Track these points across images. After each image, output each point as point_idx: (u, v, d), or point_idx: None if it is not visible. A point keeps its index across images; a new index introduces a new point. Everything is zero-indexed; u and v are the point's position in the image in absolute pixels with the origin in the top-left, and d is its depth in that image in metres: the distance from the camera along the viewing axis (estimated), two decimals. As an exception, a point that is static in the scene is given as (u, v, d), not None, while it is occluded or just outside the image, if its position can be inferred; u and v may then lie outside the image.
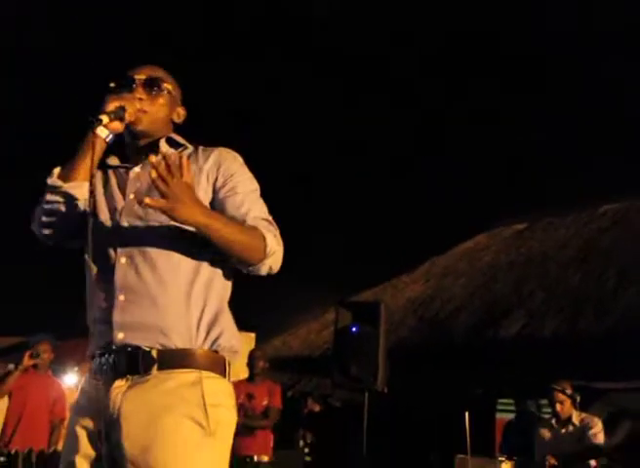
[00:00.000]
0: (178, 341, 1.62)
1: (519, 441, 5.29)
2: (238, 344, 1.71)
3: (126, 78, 1.81)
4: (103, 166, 1.84)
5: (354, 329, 4.74)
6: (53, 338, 5.53)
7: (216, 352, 1.64)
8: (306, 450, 6.48)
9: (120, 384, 1.59)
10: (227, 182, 1.75)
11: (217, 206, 1.71)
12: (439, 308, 6.74)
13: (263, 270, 1.65)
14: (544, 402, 7.38)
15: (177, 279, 1.64)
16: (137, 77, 1.80)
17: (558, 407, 4.65)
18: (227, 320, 1.69)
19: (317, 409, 6.97)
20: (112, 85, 1.79)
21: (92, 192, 1.76)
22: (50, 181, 1.72)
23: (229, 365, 1.70)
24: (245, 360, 5.94)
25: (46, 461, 5.27)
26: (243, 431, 5.38)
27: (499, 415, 7.13)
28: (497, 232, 9.96)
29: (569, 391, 4.65)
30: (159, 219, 1.66)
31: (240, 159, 1.83)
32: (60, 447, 5.74)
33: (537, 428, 4.97)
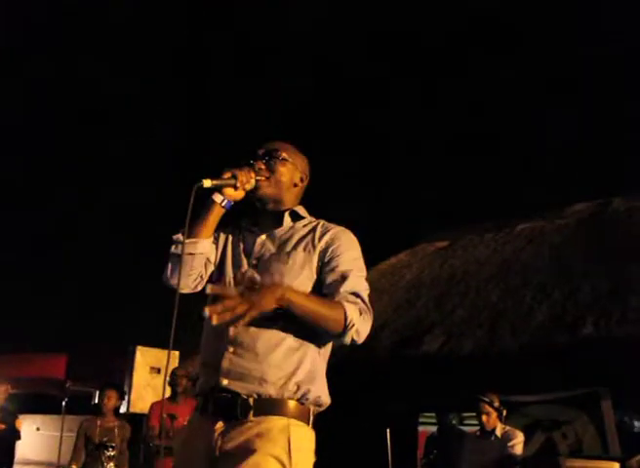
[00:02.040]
0: (272, 391, 1.90)
1: (441, 453, 5.41)
2: (325, 400, 2.00)
3: (251, 153, 2.12)
4: (236, 227, 2.19)
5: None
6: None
7: (302, 404, 1.93)
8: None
9: (220, 426, 1.89)
10: (333, 259, 2.01)
11: (322, 275, 2.00)
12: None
13: (347, 340, 1.90)
14: (466, 414, 7.61)
15: (278, 340, 1.92)
16: (258, 151, 2.13)
17: (484, 418, 4.79)
18: (319, 378, 1.99)
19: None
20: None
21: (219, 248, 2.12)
22: (174, 237, 2.03)
23: (314, 414, 1.98)
24: (167, 378, 5.84)
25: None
26: (165, 452, 5.27)
27: (421, 428, 7.27)
28: (418, 249, 10.17)
29: (496, 404, 4.81)
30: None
31: (355, 241, 2.10)
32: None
33: (460, 440, 5.10)
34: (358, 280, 2.00)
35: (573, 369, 5.65)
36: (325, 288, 1.98)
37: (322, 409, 2.01)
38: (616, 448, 5.52)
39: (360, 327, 1.89)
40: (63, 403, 9.51)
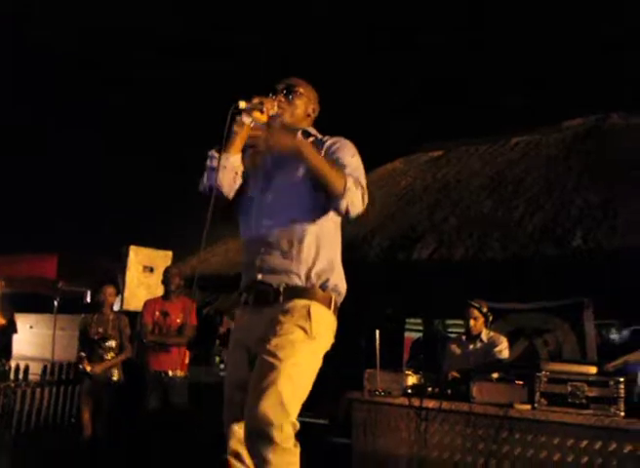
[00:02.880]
0: (297, 281, 2.33)
1: (425, 357, 5.58)
2: (343, 287, 2.44)
3: (272, 88, 2.52)
4: (257, 150, 2.52)
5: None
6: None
7: (323, 290, 2.36)
8: (222, 367, 6.62)
9: (260, 311, 2.34)
10: (334, 153, 2.39)
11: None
12: (355, 231, 6.85)
13: (343, 206, 2.26)
14: (450, 322, 7.80)
15: (299, 238, 2.34)
16: (277, 87, 2.54)
17: (472, 322, 4.93)
18: (337, 268, 2.43)
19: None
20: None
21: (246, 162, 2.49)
22: (210, 152, 2.42)
23: (335, 302, 2.41)
24: (160, 277, 5.92)
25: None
26: (158, 348, 5.43)
27: (407, 334, 7.48)
28: (414, 158, 10.11)
29: (484, 309, 4.94)
30: (291, 191, 2.38)
31: (354, 147, 2.46)
32: None
33: (445, 344, 5.25)
34: (356, 168, 2.37)
35: (560, 280, 5.76)
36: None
37: (341, 297, 2.44)
38: (593, 355, 5.72)
39: (354, 198, 2.26)
40: (55, 302, 9.67)
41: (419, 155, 10.17)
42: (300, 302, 2.31)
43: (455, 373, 4.51)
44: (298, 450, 2.16)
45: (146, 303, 5.75)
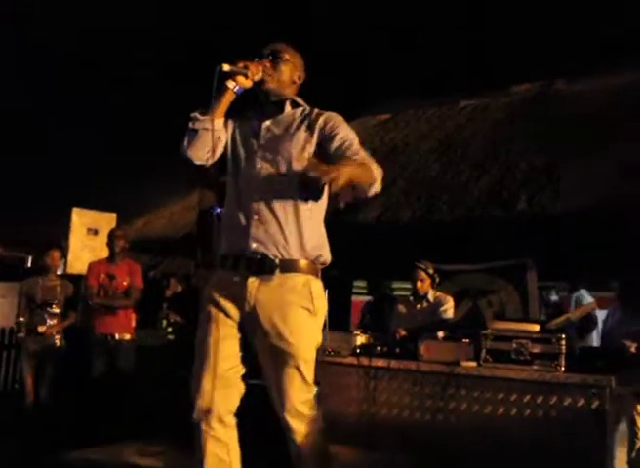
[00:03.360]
0: (293, 254, 2.37)
1: (374, 318, 5.64)
2: (329, 258, 2.49)
3: (257, 52, 2.48)
4: (243, 117, 2.58)
5: (217, 209, 4.75)
6: None
7: (314, 263, 2.43)
8: (169, 330, 6.56)
9: (253, 280, 2.36)
10: (334, 131, 2.41)
11: (324, 145, 2.40)
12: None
13: (371, 193, 2.28)
14: (396, 285, 7.90)
15: (293, 209, 2.38)
16: (263, 51, 2.49)
17: (419, 284, 5.00)
18: (324, 240, 2.48)
19: (180, 289, 7.01)
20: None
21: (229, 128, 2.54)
22: (192, 114, 2.40)
23: (320, 272, 2.48)
24: (105, 240, 5.78)
25: None
26: (104, 310, 5.32)
27: (354, 298, 7.54)
28: (361, 121, 10.09)
29: (431, 270, 5.00)
30: (281, 163, 2.41)
31: (344, 120, 2.49)
32: None
33: (392, 305, 5.31)
34: (358, 145, 2.40)
35: (505, 242, 5.89)
36: (333, 153, 2.38)
37: (326, 266, 2.51)
38: (536, 315, 5.90)
39: (380, 179, 2.31)
40: (-7, 270, 9.36)
41: (366, 118, 10.16)
42: (299, 279, 2.38)
43: (403, 332, 4.58)
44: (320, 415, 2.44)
45: (91, 265, 5.61)
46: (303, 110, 2.55)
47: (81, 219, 6.70)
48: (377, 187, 2.29)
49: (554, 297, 7.10)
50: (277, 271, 2.36)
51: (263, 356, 2.40)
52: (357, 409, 4.14)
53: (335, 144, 2.38)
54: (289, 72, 2.53)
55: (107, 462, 4.17)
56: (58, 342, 5.41)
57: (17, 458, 4.32)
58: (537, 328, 3.91)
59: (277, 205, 2.38)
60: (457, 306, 5.41)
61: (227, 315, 2.41)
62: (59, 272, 6.00)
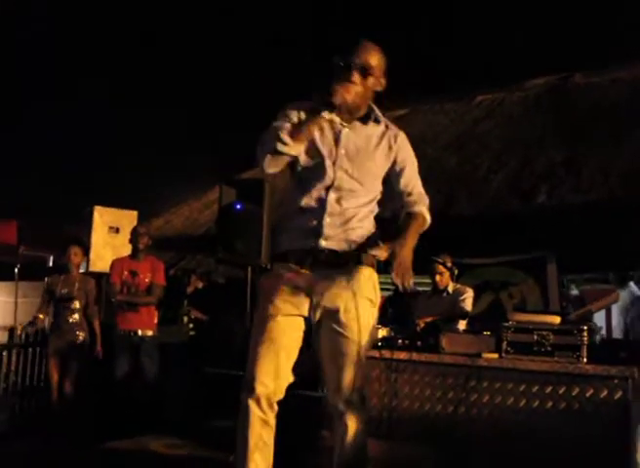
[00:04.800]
0: (359, 248, 2.51)
1: (395, 312, 5.65)
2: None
3: (346, 63, 2.45)
4: (317, 111, 2.47)
5: (238, 206, 4.76)
6: None
7: (374, 257, 2.55)
8: (191, 326, 6.62)
9: (321, 273, 2.48)
10: (404, 162, 2.64)
11: (392, 175, 2.63)
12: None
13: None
14: (417, 280, 7.86)
15: (361, 213, 2.54)
16: (354, 60, 2.45)
17: (437, 277, 5.01)
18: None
19: (201, 285, 7.07)
20: (340, 64, 2.45)
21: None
22: (282, 136, 2.38)
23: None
24: (126, 238, 5.85)
25: None
26: (127, 307, 5.39)
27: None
28: (379, 117, 10.06)
29: (449, 264, 5.02)
30: (359, 173, 2.54)
31: (409, 144, 2.70)
32: None
33: (414, 298, 5.33)
34: (418, 178, 2.71)
35: (524, 235, 5.87)
36: (396, 188, 2.64)
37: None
38: (556, 308, 5.88)
39: (428, 216, 2.67)
40: (16, 269, 9.47)
41: (383, 113, 10.14)
42: (364, 272, 2.51)
43: (422, 323, 4.60)
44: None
45: (114, 263, 5.68)
46: (378, 122, 2.64)
47: (102, 218, 6.76)
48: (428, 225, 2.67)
49: (574, 291, 7.06)
50: (349, 263, 2.50)
51: (327, 346, 2.53)
52: (379, 402, 4.16)
53: (402, 182, 2.64)
54: (373, 84, 2.55)
55: (131, 454, 4.23)
56: (82, 338, 5.49)
57: (43, 453, 4.39)
58: (558, 319, 3.90)
59: (349, 209, 2.52)
60: (478, 299, 5.42)
61: (293, 307, 2.51)
62: (81, 270, 6.07)
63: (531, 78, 9.80)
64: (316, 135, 2.56)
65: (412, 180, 2.66)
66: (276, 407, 2.50)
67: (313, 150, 2.57)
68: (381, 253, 2.53)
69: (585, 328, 3.72)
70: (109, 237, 6.71)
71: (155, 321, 5.67)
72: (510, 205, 6.21)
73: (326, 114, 2.52)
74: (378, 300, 2.61)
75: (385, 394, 4.15)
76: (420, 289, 7.17)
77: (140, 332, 5.43)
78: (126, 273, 5.53)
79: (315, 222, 2.51)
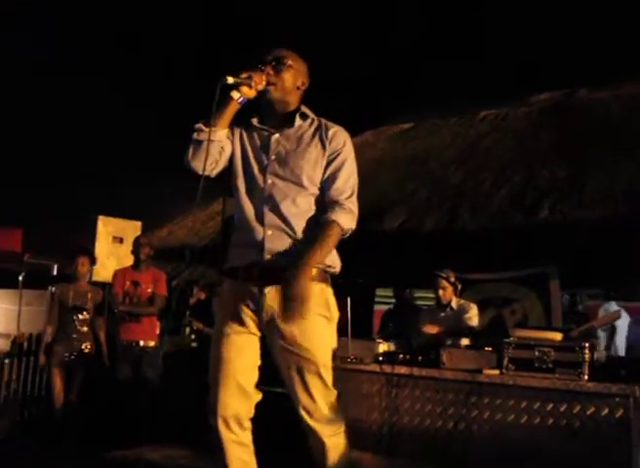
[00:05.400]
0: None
1: (396, 327, 5.65)
2: (339, 266, 2.55)
3: (260, 59, 2.47)
4: (249, 125, 2.59)
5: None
6: None
7: (326, 272, 2.48)
8: (192, 337, 6.62)
9: (269, 289, 2.41)
10: (337, 160, 2.49)
11: (324, 174, 2.49)
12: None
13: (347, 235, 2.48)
14: (418, 295, 7.90)
15: (302, 222, 2.45)
16: (266, 58, 2.48)
17: (441, 292, 5.02)
18: (335, 251, 2.52)
19: (203, 296, 7.08)
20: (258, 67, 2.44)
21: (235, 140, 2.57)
22: (197, 125, 2.41)
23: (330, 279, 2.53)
24: (130, 248, 5.87)
25: None
26: (129, 317, 5.40)
27: (377, 307, 7.55)
28: (383, 130, 10.12)
29: (452, 279, 5.02)
30: (293, 179, 2.46)
31: (350, 140, 2.58)
32: None
33: (415, 314, 5.33)
34: (354, 180, 2.53)
35: (527, 250, 5.87)
36: (326, 192, 2.49)
37: (336, 274, 2.57)
38: (559, 324, 5.87)
39: (351, 226, 2.48)
40: (20, 277, 9.49)
41: (387, 127, 10.19)
42: (314, 287, 2.38)
43: (428, 331, 4.60)
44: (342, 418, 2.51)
45: (116, 273, 5.70)
46: (312, 122, 2.57)
47: (106, 228, 6.79)
48: (350, 233, 2.50)
49: (578, 306, 7.05)
50: (291, 280, 2.33)
51: (283, 363, 2.45)
52: (379, 417, 4.16)
53: (325, 179, 2.50)
54: (292, 78, 2.52)
55: (129, 464, 4.23)
56: (88, 349, 5.49)
57: (42, 461, 4.40)
58: (559, 336, 3.90)
59: (289, 217, 2.43)
60: (480, 315, 5.41)
61: (244, 325, 2.46)
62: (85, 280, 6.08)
63: (535, 93, 9.82)
64: (245, 143, 2.56)
65: (334, 178, 2.50)
66: (248, 425, 2.48)
67: (242, 161, 2.56)
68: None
69: (587, 345, 3.72)
70: (113, 247, 6.73)
71: (157, 331, 5.68)
72: (513, 220, 6.20)
73: (254, 121, 2.58)
74: (334, 315, 2.51)
75: (386, 409, 4.14)
76: (423, 303, 7.19)
77: (141, 343, 5.44)
78: (128, 283, 5.55)
79: (256, 236, 2.44)
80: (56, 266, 9.40)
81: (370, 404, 4.19)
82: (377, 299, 7.45)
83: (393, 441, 4.09)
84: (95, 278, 6.68)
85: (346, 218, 2.44)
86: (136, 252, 5.66)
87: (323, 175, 2.49)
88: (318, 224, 2.44)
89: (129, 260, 5.99)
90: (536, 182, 6.77)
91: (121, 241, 6.73)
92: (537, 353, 3.79)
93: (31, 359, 6.01)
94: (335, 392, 2.47)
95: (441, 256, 5.86)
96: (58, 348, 5.48)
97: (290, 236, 2.43)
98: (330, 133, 2.51)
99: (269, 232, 2.43)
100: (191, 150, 2.44)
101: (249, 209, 2.49)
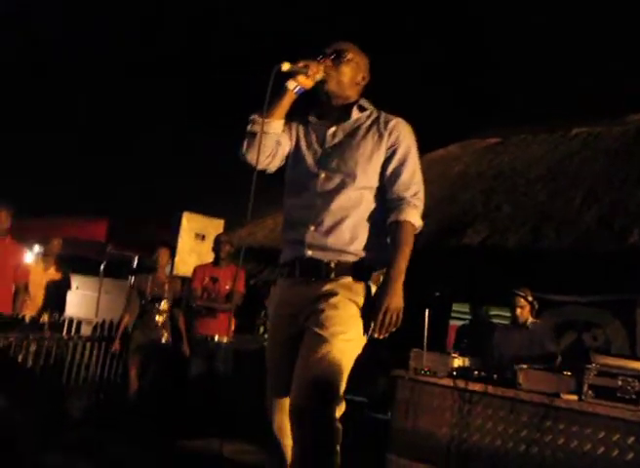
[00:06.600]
0: (350, 259, 2.29)
1: (471, 342, 5.55)
2: (381, 261, 2.32)
3: (320, 52, 2.39)
4: (305, 120, 2.50)
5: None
6: (9, 208, 5.46)
7: (375, 270, 2.30)
8: (265, 336, 6.69)
9: (309, 284, 2.28)
10: (398, 153, 2.34)
11: (386, 169, 2.34)
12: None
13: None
14: (493, 313, 7.74)
15: (351, 219, 2.30)
16: (326, 50, 2.40)
17: (518, 311, 4.90)
18: (385, 251, 2.31)
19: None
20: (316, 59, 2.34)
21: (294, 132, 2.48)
22: (251, 117, 2.32)
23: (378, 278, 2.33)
24: (211, 245, 6.00)
25: (8, 324, 5.33)
26: (206, 313, 5.52)
27: (452, 322, 7.44)
28: (469, 144, 9.97)
29: (530, 298, 4.90)
30: (347, 172, 2.32)
31: (413, 136, 2.40)
32: (24, 312, 5.80)
33: (491, 331, 5.22)
34: (419, 174, 2.37)
35: (614, 275, 5.64)
36: (389, 188, 2.34)
37: (376, 270, 2.36)
38: (644, 354, 5.61)
39: (421, 223, 2.33)
40: (102, 266, 9.88)
41: (474, 141, 10.02)
42: (354, 280, 2.28)
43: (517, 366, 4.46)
44: (340, 429, 2.14)
45: (196, 269, 5.84)
46: (370, 114, 2.45)
47: (190, 224, 6.97)
48: (418, 230, 2.33)
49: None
50: (333, 274, 2.27)
51: (302, 348, 2.22)
52: (449, 432, 4.09)
53: (387, 173, 2.34)
54: (352, 73, 2.41)
55: (198, 455, 4.31)
56: (165, 338, 5.65)
57: (114, 444, 4.52)
58: (645, 367, 3.73)
59: (339, 212, 2.30)
60: (559, 338, 5.25)
61: (292, 327, 2.33)
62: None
63: (632, 112, 9.45)
64: (301, 138, 2.46)
65: (398, 172, 2.34)
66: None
67: (296, 154, 2.46)
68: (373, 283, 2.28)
69: (676, 378, 3.55)
70: (195, 243, 6.90)
71: (232, 328, 5.78)
72: (601, 243, 5.97)
73: (310, 116, 2.49)
74: (366, 307, 2.26)
75: (456, 425, 4.08)
76: (498, 321, 7.03)
77: (216, 338, 5.55)
78: (207, 279, 5.67)
79: (301, 230, 2.33)
80: (137, 258, 9.74)
81: (440, 418, 4.14)
82: (453, 315, 7.33)
83: (461, 458, 4.02)
84: (175, 272, 6.87)
85: (417, 216, 2.30)
86: (216, 249, 5.78)
87: (383, 168, 2.35)
88: (389, 226, 2.30)
89: (209, 257, 6.13)
90: (626, 205, 6.51)
91: (203, 238, 6.90)
92: (620, 382, 3.64)
93: (110, 345, 6.22)
94: (338, 396, 2.17)
95: (521, 275, 5.72)
96: (135, 336, 5.66)
97: (335, 233, 2.29)
98: (390, 125, 2.37)
99: (312, 228, 2.31)
100: (246, 143, 2.34)
101: (299, 203, 2.38)
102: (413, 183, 2.33)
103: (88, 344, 6.02)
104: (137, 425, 5.15)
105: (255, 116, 2.32)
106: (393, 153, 2.33)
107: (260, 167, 2.35)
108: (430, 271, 6.18)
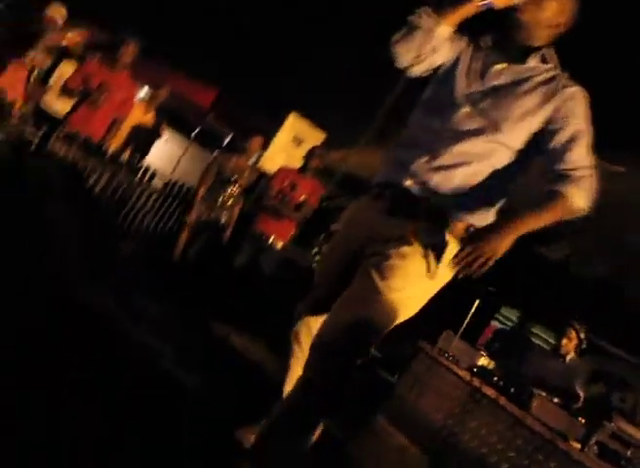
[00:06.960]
0: (445, 206, 2.03)
1: (502, 348, 5.45)
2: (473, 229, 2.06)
3: None
4: (478, 45, 2.20)
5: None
6: (137, 43, 5.52)
7: (466, 230, 2.04)
8: (315, 258, 6.73)
9: (393, 213, 2.07)
10: (563, 121, 2.03)
11: (548, 140, 2.03)
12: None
13: (577, 216, 2.00)
14: (535, 331, 7.53)
15: (469, 168, 2.03)
16: None
17: (564, 341, 4.76)
18: (492, 213, 2.11)
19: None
20: None
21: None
22: (421, 9, 2.08)
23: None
24: (303, 153, 5.96)
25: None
26: (272, 212, 5.54)
27: (492, 322, 7.31)
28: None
29: (582, 334, 4.73)
30: (493, 120, 2.04)
31: (588, 110, 2.06)
32: (111, 144, 5.94)
33: (527, 347, 5.11)
34: (590, 162, 2.02)
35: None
36: (554, 162, 2.03)
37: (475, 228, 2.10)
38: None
39: (584, 205, 1.99)
40: (196, 131, 10.04)
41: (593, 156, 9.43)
42: (436, 230, 2.05)
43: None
44: (351, 381, 2.00)
45: (281, 169, 5.86)
46: (550, 69, 2.13)
47: (293, 125, 6.94)
48: (581, 212, 2.00)
49: None
50: (419, 215, 2.04)
51: (350, 288, 2.06)
52: (443, 421, 4.07)
53: (551, 146, 2.04)
54: (552, 11, 2.06)
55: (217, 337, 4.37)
56: (224, 220, 5.72)
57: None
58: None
59: (456, 156, 2.05)
60: (588, 385, 5.08)
61: (350, 242, 2.19)
62: (252, 159, 6.28)
63: None
64: (462, 59, 2.18)
65: (567, 148, 2.02)
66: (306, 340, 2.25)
67: (448, 75, 2.18)
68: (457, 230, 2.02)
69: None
70: (290, 145, 6.90)
71: (290, 235, 5.80)
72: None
73: (484, 43, 2.21)
74: (440, 273, 2.04)
75: (454, 417, 4.04)
76: (538, 342, 6.85)
77: (271, 239, 5.59)
78: (287, 183, 5.67)
79: (413, 155, 2.09)
80: (230, 136, 9.85)
81: (442, 404, 4.11)
82: (497, 316, 7.18)
83: (443, 448, 4.00)
84: (259, 165, 6.91)
85: (580, 194, 1.97)
86: (307, 158, 5.77)
87: (542, 137, 2.06)
88: (545, 193, 2.02)
89: (296, 163, 6.12)
90: None
91: (299, 143, 6.87)
92: (629, 453, 3.52)
93: (174, 204, 6.32)
94: (367, 345, 2.02)
95: (589, 309, 5.49)
96: (199, 206, 5.74)
97: (449, 174, 2.04)
98: (566, 91, 2.06)
99: (424, 159, 2.06)
100: (403, 32, 2.08)
101: (425, 125, 2.14)
102: (587, 163, 2.02)
103: (154, 195, 6.16)
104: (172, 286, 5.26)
105: (426, 8, 2.08)
106: (563, 125, 2.03)
107: (404, 63, 2.13)
108: (502, 268, 6.02)
